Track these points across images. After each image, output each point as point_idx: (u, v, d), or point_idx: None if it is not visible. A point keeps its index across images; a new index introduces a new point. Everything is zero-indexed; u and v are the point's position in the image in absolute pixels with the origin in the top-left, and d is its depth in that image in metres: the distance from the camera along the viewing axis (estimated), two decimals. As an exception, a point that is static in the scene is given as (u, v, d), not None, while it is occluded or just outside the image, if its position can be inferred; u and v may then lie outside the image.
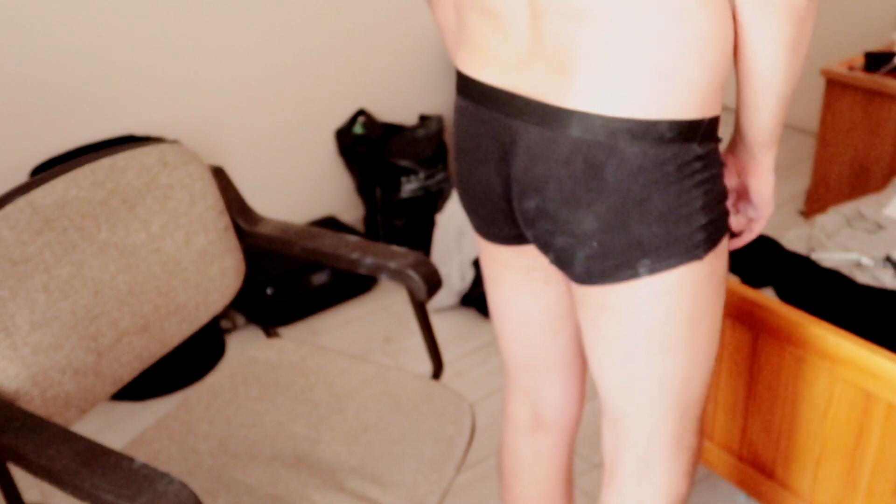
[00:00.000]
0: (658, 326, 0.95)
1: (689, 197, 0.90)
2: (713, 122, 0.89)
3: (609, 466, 1.10)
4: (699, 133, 0.88)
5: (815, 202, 2.75)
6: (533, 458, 1.27)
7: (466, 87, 0.99)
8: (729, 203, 1.05)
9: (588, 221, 0.91)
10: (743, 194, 1.07)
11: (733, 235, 1.10)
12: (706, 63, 0.86)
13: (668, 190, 0.88)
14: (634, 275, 0.92)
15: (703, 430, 1.14)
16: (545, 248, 0.98)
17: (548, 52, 0.89)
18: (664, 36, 0.83)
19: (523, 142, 0.93)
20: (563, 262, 0.97)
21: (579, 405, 1.26)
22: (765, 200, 1.04)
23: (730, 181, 1.07)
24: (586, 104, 0.86)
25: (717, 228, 0.93)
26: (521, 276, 1.12)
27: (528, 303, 1.14)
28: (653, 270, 0.92)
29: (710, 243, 0.92)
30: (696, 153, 0.89)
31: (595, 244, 0.92)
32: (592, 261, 0.93)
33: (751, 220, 1.08)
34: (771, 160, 1.01)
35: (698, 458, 1.12)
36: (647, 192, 0.88)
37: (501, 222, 1.04)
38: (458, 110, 1.03)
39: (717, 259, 0.95)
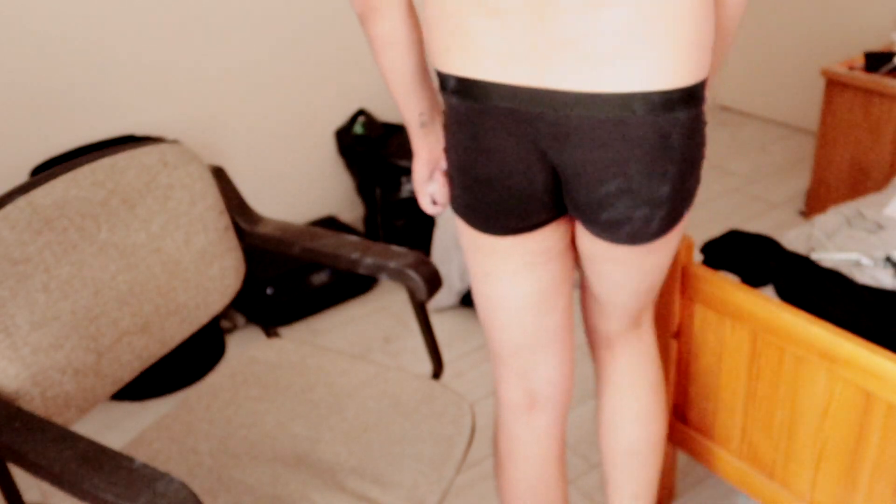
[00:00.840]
0: (674, 247, 1.13)
1: (704, 143, 1.01)
2: None
3: (618, 344, 1.32)
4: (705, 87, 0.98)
5: (815, 202, 2.75)
6: (529, 439, 1.29)
7: (479, 90, 0.99)
8: None
9: (665, 188, 0.98)
10: None
11: None
12: (712, 23, 0.93)
13: (702, 143, 0.99)
14: (680, 220, 1.05)
15: None
16: (617, 226, 1.03)
17: (575, 43, 0.91)
18: (684, 7, 0.89)
19: (579, 134, 0.95)
20: (637, 232, 1.04)
21: (571, 379, 1.30)
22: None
23: None
24: (642, 84, 0.90)
25: None
26: (521, 261, 1.14)
27: (526, 288, 1.17)
28: (686, 211, 1.05)
29: None
30: (703, 104, 0.98)
31: (668, 206, 1.00)
32: (664, 222, 1.02)
33: None
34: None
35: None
36: (694, 149, 0.98)
37: (536, 212, 1.07)
38: (467, 114, 1.01)
39: None
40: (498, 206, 1.06)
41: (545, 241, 1.12)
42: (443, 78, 1.02)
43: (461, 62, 0.98)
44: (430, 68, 1.08)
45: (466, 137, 1.03)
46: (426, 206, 1.20)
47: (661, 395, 1.37)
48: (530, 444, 1.29)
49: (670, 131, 0.93)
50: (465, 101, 1.01)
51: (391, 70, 1.09)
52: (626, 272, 1.13)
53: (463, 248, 1.19)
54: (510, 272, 1.15)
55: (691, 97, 0.93)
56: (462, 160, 1.06)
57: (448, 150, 1.08)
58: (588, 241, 1.12)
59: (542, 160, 1.00)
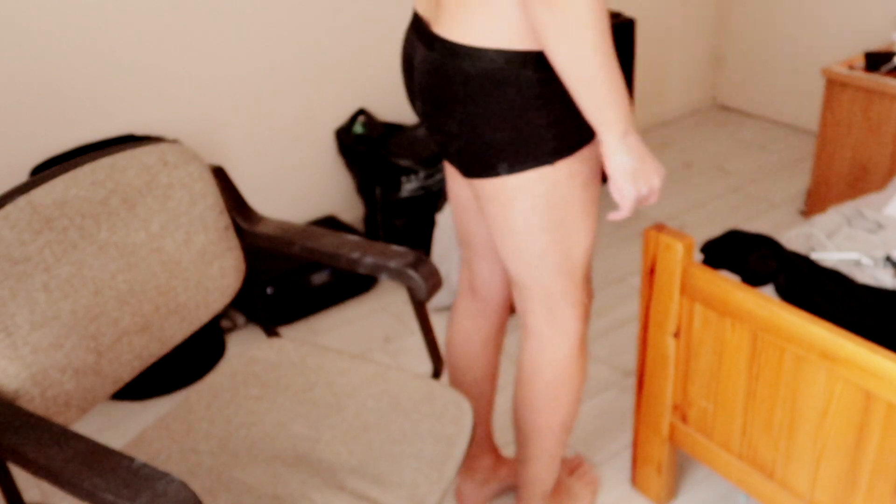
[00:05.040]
0: (529, 213, 1.23)
1: (505, 104, 1.15)
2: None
3: (524, 322, 1.41)
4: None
5: (815, 202, 2.75)
6: (470, 319, 1.56)
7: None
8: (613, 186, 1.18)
9: (452, 125, 1.18)
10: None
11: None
12: (509, 17, 1.14)
13: (498, 101, 1.14)
14: (492, 173, 1.20)
15: (589, 290, 1.42)
16: (438, 145, 1.25)
17: None
18: None
19: (418, 56, 1.21)
20: (452, 160, 1.24)
21: (504, 283, 1.52)
22: (612, 181, 1.16)
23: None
24: (444, 32, 1.14)
25: (564, 142, 1.18)
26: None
27: (464, 191, 1.42)
28: (500, 167, 1.18)
29: (560, 152, 1.17)
30: (496, 68, 1.13)
31: (459, 143, 1.19)
32: (464, 160, 1.21)
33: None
34: (612, 142, 1.12)
35: (588, 307, 1.42)
36: (484, 102, 1.14)
37: None
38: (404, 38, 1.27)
39: (577, 163, 1.20)
40: None
41: None
42: None
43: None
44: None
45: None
46: None
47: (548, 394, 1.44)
48: (470, 324, 1.57)
49: (452, 74, 1.14)
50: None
51: None
52: (487, 214, 1.28)
53: None
54: (452, 174, 1.42)
55: (470, 54, 1.12)
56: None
57: None
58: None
59: (410, 77, 1.26)
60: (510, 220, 1.25)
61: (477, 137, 1.17)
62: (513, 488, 1.78)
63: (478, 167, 1.20)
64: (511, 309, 1.59)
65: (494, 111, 1.14)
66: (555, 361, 1.41)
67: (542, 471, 1.55)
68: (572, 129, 1.16)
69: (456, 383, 1.63)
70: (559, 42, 1.04)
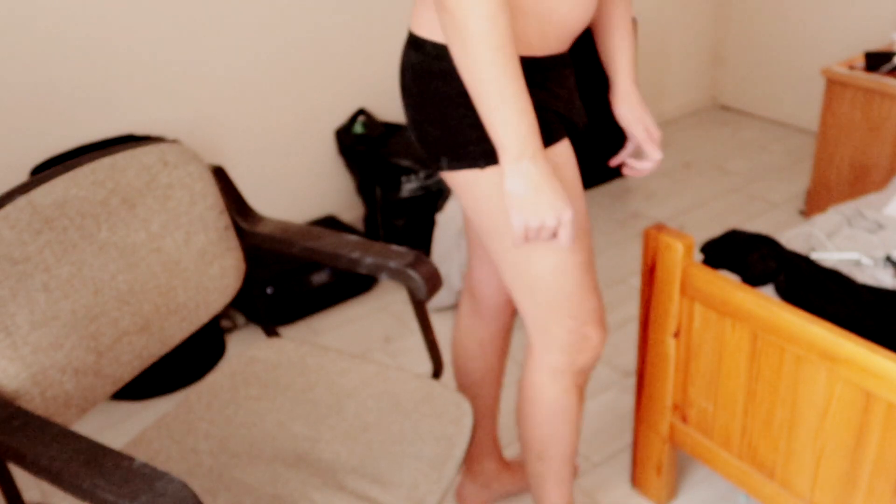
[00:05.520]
0: (476, 212, 1.19)
1: (442, 99, 1.13)
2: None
3: (528, 331, 1.34)
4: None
5: (815, 202, 2.75)
6: (467, 318, 1.56)
7: None
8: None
9: (409, 112, 1.19)
10: None
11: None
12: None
13: (434, 94, 1.14)
14: (439, 165, 1.18)
15: (593, 333, 1.31)
16: None
17: None
18: None
19: None
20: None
21: (500, 288, 1.49)
22: (509, 207, 1.07)
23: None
24: (410, 24, 1.16)
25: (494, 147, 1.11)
26: None
27: None
28: (442, 161, 1.17)
29: (490, 158, 1.12)
30: (432, 59, 1.13)
31: (416, 134, 1.20)
32: (424, 149, 1.20)
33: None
34: (504, 163, 1.04)
35: (580, 349, 1.32)
36: (421, 94, 1.15)
37: None
38: None
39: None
40: None
41: None
42: None
43: None
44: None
45: None
46: None
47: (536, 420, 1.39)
48: (471, 322, 1.55)
49: (406, 64, 1.17)
50: None
51: None
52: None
53: None
54: None
55: (417, 45, 1.14)
56: None
57: None
58: None
59: None
60: (468, 215, 1.26)
61: (419, 128, 1.18)
62: (515, 494, 1.78)
63: (428, 157, 1.20)
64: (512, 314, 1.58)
65: (427, 103, 1.14)
66: (531, 382, 1.36)
67: (534, 486, 1.48)
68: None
69: (459, 383, 1.63)
70: (451, 46, 1.00)
